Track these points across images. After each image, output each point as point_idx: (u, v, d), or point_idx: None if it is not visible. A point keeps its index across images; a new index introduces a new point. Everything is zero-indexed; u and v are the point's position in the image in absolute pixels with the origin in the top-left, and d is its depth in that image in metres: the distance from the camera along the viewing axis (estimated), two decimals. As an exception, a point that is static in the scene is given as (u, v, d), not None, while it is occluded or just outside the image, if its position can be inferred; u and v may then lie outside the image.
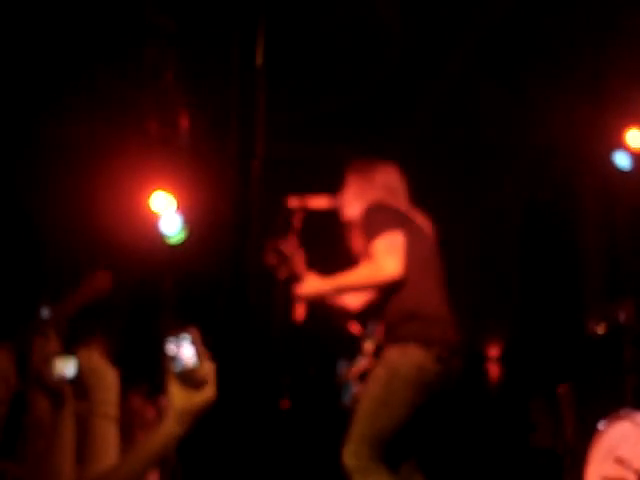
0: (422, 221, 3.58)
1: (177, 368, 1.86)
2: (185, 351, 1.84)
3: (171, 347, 1.83)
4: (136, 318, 6.96)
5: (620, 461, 4.16)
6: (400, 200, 3.62)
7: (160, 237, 6.88)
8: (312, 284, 3.44)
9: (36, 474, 2.38)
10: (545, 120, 7.37)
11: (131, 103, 6.73)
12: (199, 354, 1.84)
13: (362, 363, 3.51)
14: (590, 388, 5.89)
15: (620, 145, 6.32)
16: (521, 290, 8.10)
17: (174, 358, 1.86)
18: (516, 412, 7.28)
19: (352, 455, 3.14)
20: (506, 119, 7.51)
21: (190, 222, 6.70)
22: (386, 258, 3.26)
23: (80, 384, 2.63)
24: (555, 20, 6.48)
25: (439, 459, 7.01)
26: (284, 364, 4.67)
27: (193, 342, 1.83)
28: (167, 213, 6.75)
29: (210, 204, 6.02)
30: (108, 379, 3.11)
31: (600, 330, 5.77)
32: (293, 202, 3.72)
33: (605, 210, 7.15)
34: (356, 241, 3.64)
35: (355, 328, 3.65)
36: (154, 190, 6.79)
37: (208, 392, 1.90)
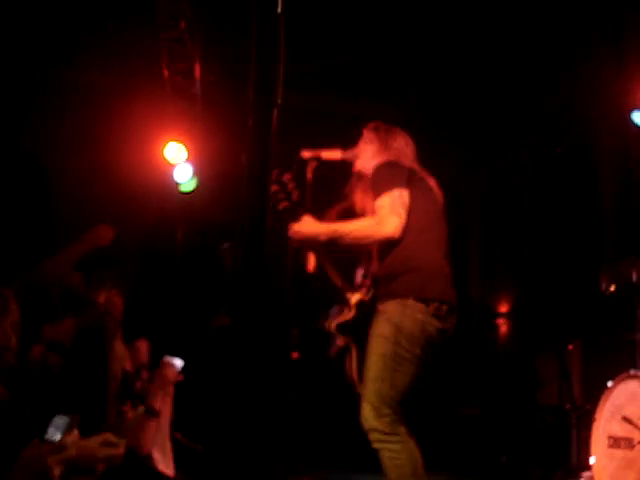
0: (432, 183, 3.56)
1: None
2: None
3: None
4: (148, 264, 6.99)
5: (627, 420, 4.18)
6: (412, 164, 3.60)
7: (173, 185, 6.89)
8: (309, 224, 3.42)
9: None
10: (565, 76, 7.29)
11: (144, 51, 6.67)
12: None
13: (345, 314, 3.51)
14: (599, 346, 5.90)
15: (639, 104, 6.24)
16: (533, 246, 8.07)
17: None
18: (524, 369, 7.31)
19: (373, 417, 3.14)
20: (526, 73, 7.42)
21: (202, 171, 6.70)
22: (388, 216, 3.25)
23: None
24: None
25: (444, 413, 7.08)
26: (294, 315, 4.69)
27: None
28: (180, 162, 6.75)
29: (224, 153, 6.00)
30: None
31: (612, 288, 5.76)
32: (306, 153, 3.71)
33: (621, 167, 7.09)
34: (361, 196, 3.62)
35: (339, 280, 3.61)
36: (168, 139, 6.77)
37: None
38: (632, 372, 4.45)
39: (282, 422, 4.73)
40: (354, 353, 3.48)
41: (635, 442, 4.19)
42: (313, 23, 6.20)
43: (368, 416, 3.16)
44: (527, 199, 8.24)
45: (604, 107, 7.03)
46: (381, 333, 3.22)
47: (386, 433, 3.15)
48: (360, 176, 3.66)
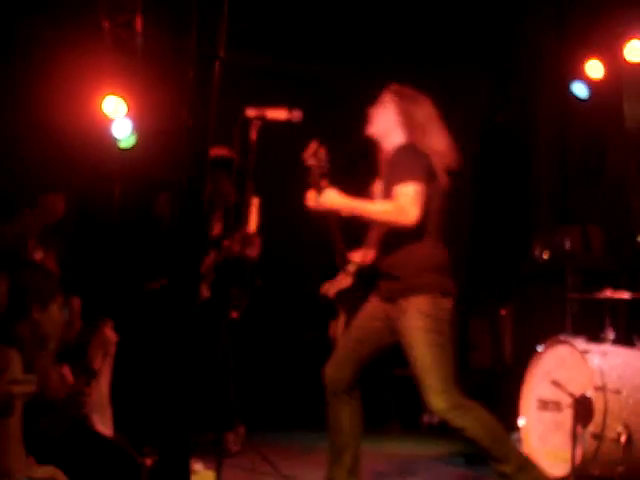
0: (441, 172, 3.57)
1: None
2: None
3: None
4: (85, 223, 6.85)
5: (556, 384, 4.29)
6: (434, 138, 3.58)
7: (111, 141, 6.73)
8: (333, 198, 3.45)
9: None
10: (506, 45, 7.33)
11: (83, 1, 6.48)
12: None
13: (343, 281, 3.66)
14: (531, 311, 6.03)
15: (579, 75, 6.33)
16: (468, 213, 8.16)
17: None
18: (457, 333, 7.43)
19: (444, 400, 3.34)
20: (467, 41, 7.43)
21: (143, 126, 6.55)
22: (411, 205, 3.34)
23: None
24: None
25: (378, 374, 7.17)
26: (234, 275, 4.69)
27: None
28: (118, 117, 6.59)
29: (165, 108, 5.87)
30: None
31: (545, 255, 5.88)
32: (251, 112, 3.66)
33: (558, 138, 7.20)
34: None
35: (342, 245, 3.68)
36: (106, 93, 6.59)
37: None
38: (562, 337, 4.57)
39: (218, 381, 4.74)
40: (342, 318, 3.75)
41: (563, 405, 4.31)
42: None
43: (441, 403, 3.37)
44: (464, 166, 8.30)
45: (543, 78, 7.12)
46: (420, 326, 3.42)
47: (462, 405, 3.39)
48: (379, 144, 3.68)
